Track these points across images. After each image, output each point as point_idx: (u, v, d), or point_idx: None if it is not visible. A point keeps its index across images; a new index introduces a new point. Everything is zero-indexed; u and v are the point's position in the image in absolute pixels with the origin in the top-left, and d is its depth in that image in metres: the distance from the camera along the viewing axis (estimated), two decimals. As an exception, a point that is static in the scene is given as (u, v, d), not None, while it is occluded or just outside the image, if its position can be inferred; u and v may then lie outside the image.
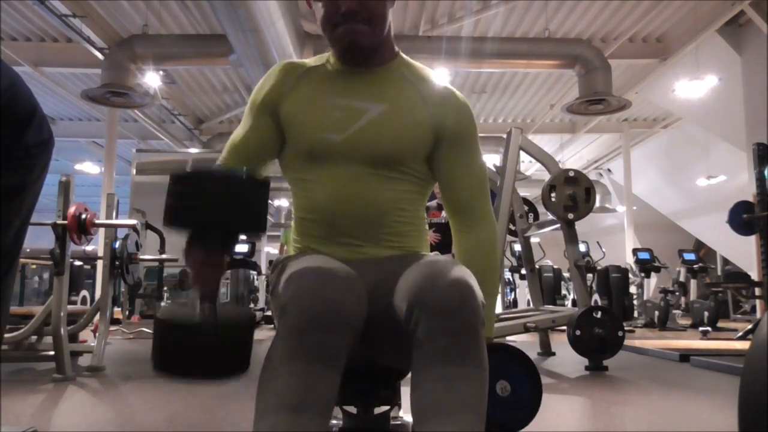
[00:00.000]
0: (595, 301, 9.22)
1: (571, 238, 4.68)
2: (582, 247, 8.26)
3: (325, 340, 1.07)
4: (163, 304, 8.14)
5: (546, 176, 4.88)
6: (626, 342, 4.62)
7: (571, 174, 4.67)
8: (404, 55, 1.44)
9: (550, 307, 6.00)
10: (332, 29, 1.30)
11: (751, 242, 8.15)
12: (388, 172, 1.33)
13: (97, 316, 4.64)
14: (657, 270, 10.21)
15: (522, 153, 4.97)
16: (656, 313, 9.43)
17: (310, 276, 1.13)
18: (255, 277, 11.04)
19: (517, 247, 8.75)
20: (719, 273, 13.51)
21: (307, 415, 1.05)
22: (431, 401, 1.08)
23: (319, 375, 1.07)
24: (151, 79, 8.68)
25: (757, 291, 7.76)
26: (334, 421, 1.55)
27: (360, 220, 1.32)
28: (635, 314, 10.48)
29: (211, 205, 1.12)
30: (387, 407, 1.48)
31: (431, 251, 1.47)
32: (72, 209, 3.81)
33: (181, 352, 1.16)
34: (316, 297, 1.09)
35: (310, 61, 1.44)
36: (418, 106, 1.35)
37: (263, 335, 7.08)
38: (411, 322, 1.12)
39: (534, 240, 6.75)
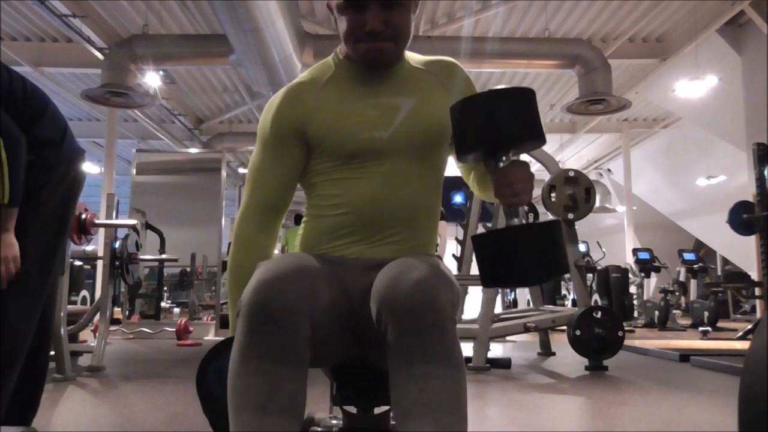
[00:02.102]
0: (595, 301, 9.23)
1: (571, 238, 4.68)
2: (582, 247, 8.27)
3: (276, 336, 1.09)
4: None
5: (546, 176, 4.88)
6: (626, 342, 4.62)
7: (571, 174, 4.67)
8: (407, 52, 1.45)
9: (550, 307, 6.01)
10: (354, 43, 1.31)
11: (751, 242, 8.15)
12: (422, 167, 1.37)
13: (97, 316, 4.64)
14: (657, 270, 10.21)
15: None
16: (656, 313, 9.44)
17: (262, 274, 1.14)
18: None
19: (517, 247, 8.73)
20: (719, 273, 13.51)
21: (271, 415, 1.06)
22: (408, 402, 1.08)
23: (279, 373, 1.08)
24: (151, 79, 8.68)
25: (757, 291, 7.76)
26: (334, 421, 1.56)
27: (395, 216, 1.33)
28: (635, 314, 10.48)
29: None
30: (387, 407, 1.48)
31: None
32: (72, 209, 3.80)
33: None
34: (261, 294, 1.10)
35: (318, 71, 1.42)
36: (442, 92, 1.40)
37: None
38: (381, 324, 1.12)
39: (534, 240, 6.74)
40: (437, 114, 1.35)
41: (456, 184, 3.80)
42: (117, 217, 5.02)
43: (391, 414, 1.50)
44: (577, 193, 4.61)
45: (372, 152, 1.32)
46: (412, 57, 1.45)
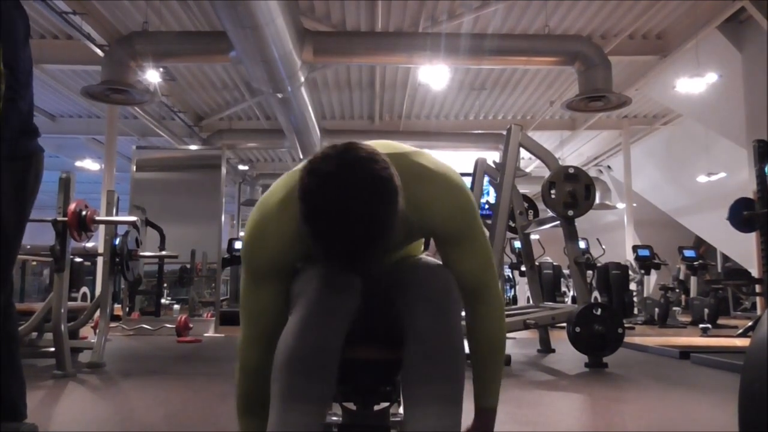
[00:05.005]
0: (595, 298, 9.22)
1: (571, 235, 4.68)
2: (582, 244, 8.26)
3: (304, 386, 1.24)
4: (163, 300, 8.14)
5: (546, 173, 4.88)
6: (626, 339, 4.62)
7: (571, 171, 4.67)
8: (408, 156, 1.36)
9: (550, 304, 6.01)
10: None
11: (751, 239, 8.14)
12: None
13: (98, 313, 4.64)
14: (657, 267, 10.21)
15: (522, 150, 4.97)
16: (656, 310, 9.44)
17: (304, 313, 1.30)
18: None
19: (517, 244, 8.76)
20: (719, 270, 13.51)
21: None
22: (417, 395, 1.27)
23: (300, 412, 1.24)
24: (151, 76, 8.66)
25: (758, 288, 7.76)
26: (334, 418, 1.56)
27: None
28: (635, 311, 10.48)
29: None
30: (386, 404, 1.48)
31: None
32: (72, 206, 3.80)
33: None
34: (300, 341, 1.27)
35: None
36: (408, 232, 1.38)
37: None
38: (404, 306, 1.34)
39: (534, 237, 6.76)
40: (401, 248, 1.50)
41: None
42: (117, 214, 5.03)
43: (391, 409, 1.51)
44: (577, 190, 4.61)
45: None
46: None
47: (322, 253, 1.17)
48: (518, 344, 6.15)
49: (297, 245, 1.34)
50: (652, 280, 11.59)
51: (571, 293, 11.90)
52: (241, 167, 15.50)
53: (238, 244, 9.77)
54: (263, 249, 1.35)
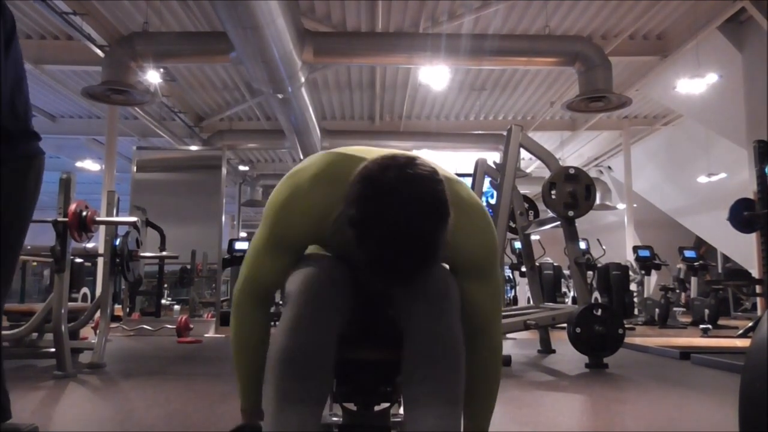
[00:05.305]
0: (596, 299, 9.22)
1: (572, 235, 4.68)
2: (582, 245, 8.27)
3: (297, 387, 1.26)
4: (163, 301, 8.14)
5: (546, 173, 4.88)
6: (626, 339, 4.62)
7: (572, 171, 4.67)
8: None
9: (551, 304, 6.01)
10: None
11: (752, 240, 8.14)
12: None
13: (98, 314, 4.64)
14: (657, 267, 10.20)
15: (522, 150, 4.97)
16: (657, 310, 9.43)
17: (296, 312, 1.29)
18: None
19: (518, 245, 8.76)
20: (720, 270, 13.50)
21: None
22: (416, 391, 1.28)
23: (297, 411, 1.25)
24: (152, 77, 8.66)
25: (758, 288, 7.76)
26: (334, 419, 1.56)
27: None
28: (635, 312, 10.48)
29: None
30: (387, 404, 1.48)
31: None
32: (73, 206, 3.81)
33: None
34: (291, 340, 1.27)
35: (337, 192, 1.26)
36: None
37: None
38: (403, 306, 1.34)
39: (534, 237, 6.76)
40: None
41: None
42: (117, 215, 5.03)
43: (391, 410, 1.51)
44: (578, 190, 4.61)
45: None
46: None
47: (365, 260, 1.15)
48: (518, 345, 6.15)
49: (318, 229, 1.35)
50: (653, 280, 11.59)
51: (572, 294, 11.90)
52: (241, 168, 15.50)
53: (238, 245, 9.77)
54: (288, 223, 1.35)
